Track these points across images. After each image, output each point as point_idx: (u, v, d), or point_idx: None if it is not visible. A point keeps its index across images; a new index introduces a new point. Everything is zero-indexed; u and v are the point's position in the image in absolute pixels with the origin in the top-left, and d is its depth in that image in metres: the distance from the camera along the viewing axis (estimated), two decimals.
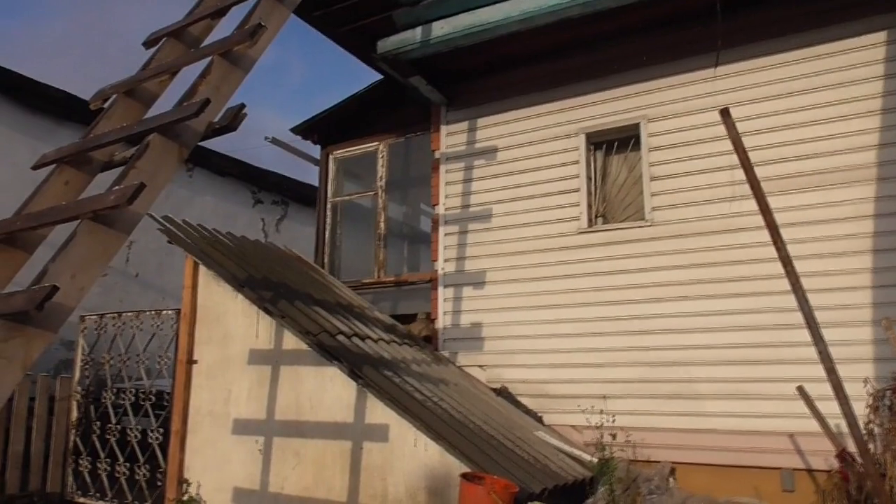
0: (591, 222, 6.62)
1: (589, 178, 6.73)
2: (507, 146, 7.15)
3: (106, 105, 4.13)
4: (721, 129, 6.01)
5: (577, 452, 5.85)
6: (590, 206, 6.67)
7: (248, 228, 11.61)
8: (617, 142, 6.76)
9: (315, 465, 5.44)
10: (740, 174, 5.88)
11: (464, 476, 4.23)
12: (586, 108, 6.80)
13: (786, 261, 4.36)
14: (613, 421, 5.08)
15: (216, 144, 12.30)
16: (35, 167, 3.96)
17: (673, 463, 5.69)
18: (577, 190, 6.69)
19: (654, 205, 6.33)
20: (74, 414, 7.36)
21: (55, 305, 2.74)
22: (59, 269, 2.88)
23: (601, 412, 5.25)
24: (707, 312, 5.86)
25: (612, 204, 6.75)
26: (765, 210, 4.41)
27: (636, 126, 6.54)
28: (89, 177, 3.92)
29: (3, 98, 9.68)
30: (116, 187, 3.12)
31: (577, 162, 6.75)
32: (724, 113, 4.50)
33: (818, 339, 4.21)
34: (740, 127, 5.97)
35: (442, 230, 7.36)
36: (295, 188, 14.09)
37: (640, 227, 6.35)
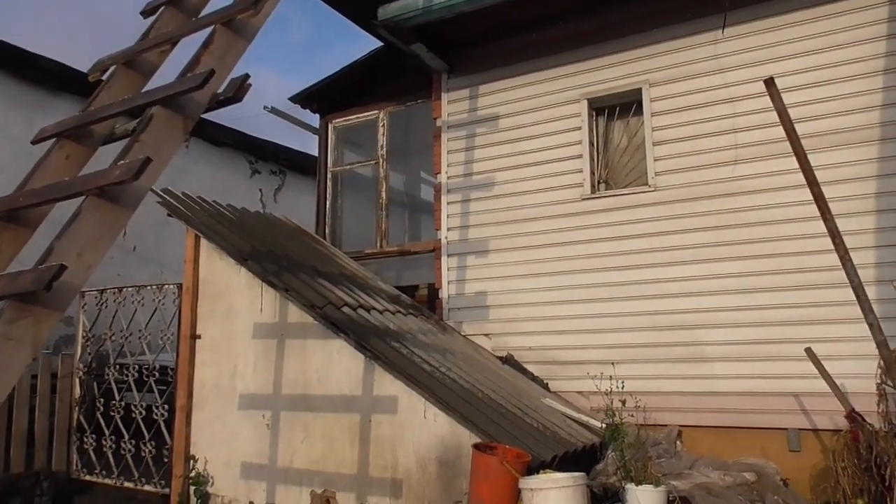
0: (594, 188, 6.57)
1: (591, 144, 6.65)
2: (509, 113, 7.05)
3: (105, 76, 4.02)
4: (724, 93, 6.05)
5: (584, 418, 5.88)
6: (592, 173, 6.60)
7: (245, 199, 11.50)
8: (619, 107, 6.67)
9: (324, 438, 5.45)
10: (744, 137, 5.95)
11: (476, 446, 4.23)
12: (588, 73, 6.70)
13: (833, 232, 4.28)
14: (622, 386, 5.07)
15: (213, 114, 12.13)
16: (35, 141, 3.86)
17: (680, 426, 5.73)
18: (580, 156, 6.63)
19: (658, 170, 6.27)
20: (77, 391, 7.34)
21: (63, 284, 2.68)
22: (65, 246, 2.82)
23: (610, 378, 5.24)
24: (712, 275, 5.85)
25: (614, 169, 6.68)
26: (811, 182, 4.31)
27: (638, 91, 6.46)
28: (90, 150, 3.82)
29: None
30: (121, 162, 3.05)
31: (579, 128, 6.67)
32: (769, 83, 4.36)
33: (868, 312, 4.22)
34: (744, 90, 5.98)
35: (445, 198, 7.29)
36: (292, 157, 13.96)
37: (643, 192, 6.30)
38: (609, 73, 6.60)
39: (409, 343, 5.79)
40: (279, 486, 5.55)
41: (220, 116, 12.96)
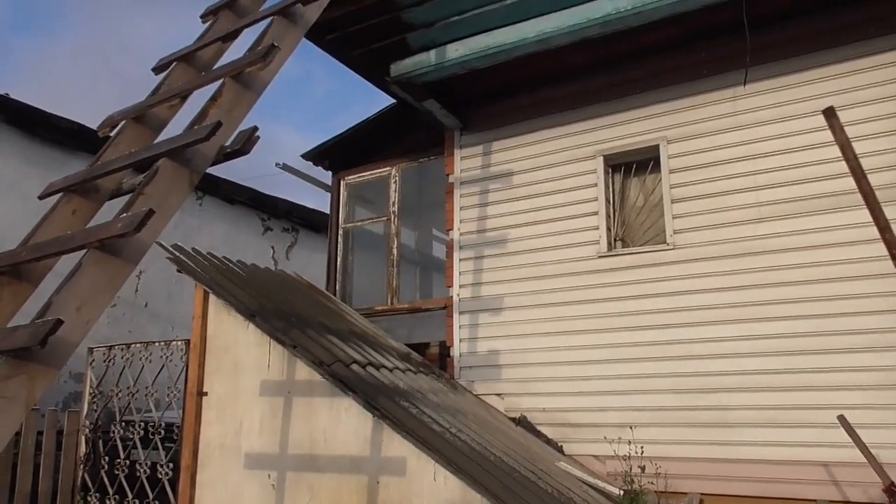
0: (610, 246, 6.46)
1: (608, 201, 6.57)
2: (524, 169, 7.02)
3: (114, 132, 4.02)
4: (744, 150, 5.95)
5: (601, 484, 5.62)
6: (609, 230, 6.50)
7: (257, 256, 11.50)
8: (636, 164, 6.61)
9: (330, 500, 5.23)
10: (765, 195, 5.80)
11: None
12: (604, 129, 6.67)
13: None
14: (642, 451, 4.84)
15: (227, 172, 12.28)
16: (42, 196, 3.85)
17: (702, 494, 5.45)
18: (596, 213, 6.54)
19: (676, 227, 6.16)
20: (83, 449, 7.17)
21: (59, 340, 2.59)
22: (64, 301, 2.74)
23: (629, 442, 5.01)
24: (736, 337, 5.66)
25: (631, 227, 6.58)
26: (883, 227, 3.77)
27: (656, 148, 6.40)
28: (97, 205, 3.79)
29: (13, 130, 9.63)
30: (124, 215, 3.00)
31: (595, 185, 6.60)
32: (829, 113, 3.90)
33: None
34: (762, 147, 5.90)
35: (457, 255, 7.20)
36: (305, 215, 14.00)
37: (661, 250, 6.18)
38: (625, 129, 6.57)
39: (419, 403, 5.61)
40: None
41: (235, 174, 13.08)
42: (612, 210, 6.59)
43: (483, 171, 7.25)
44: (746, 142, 5.96)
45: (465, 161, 7.40)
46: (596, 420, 6.02)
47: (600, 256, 6.41)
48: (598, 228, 6.49)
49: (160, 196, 3.17)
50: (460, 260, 7.18)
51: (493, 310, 6.83)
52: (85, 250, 2.93)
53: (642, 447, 4.91)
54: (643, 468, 4.57)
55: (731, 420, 5.57)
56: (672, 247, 6.11)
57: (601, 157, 6.63)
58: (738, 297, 5.73)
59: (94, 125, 9.78)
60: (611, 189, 6.65)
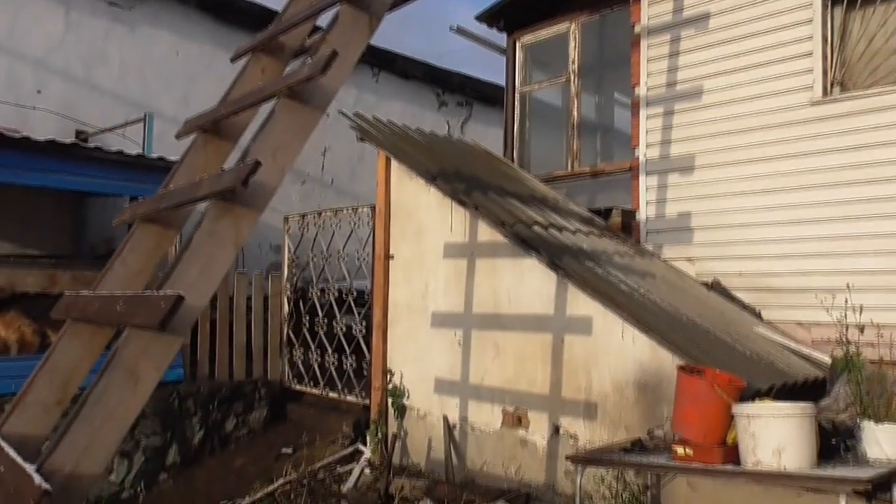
0: (826, 91, 5.63)
1: (825, 39, 5.68)
2: (722, 10, 6.18)
3: None
4: None
5: (805, 350, 5.22)
6: (825, 73, 5.65)
7: (433, 130, 11.55)
8: None
9: (515, 357, 5.32)
10: None
11: (681, 368, 3.83)
12: None
13: None
14: (860, 314, 4.30)
15: (402, 46, 12.25)
16: (233, 59, 4.01)
17: None
18: (810, 54, 5.69)
19: None
20: (286, 309, 7.86)
21: (258, 184, 2.69)
22: (259, 147, 2.83)
23: (847, 301, 4.46)
24: None
25: (853, 69, 5.67)
26: None
27: None
28: (284, 63, 3.90)
29: (205, 16, 10.14)
30: (309, 60, 3.00)
31: (809, 21, 5.71)
32: None
33: None
34: None
35: (644, 112, 6.67)
36: (479, 88, 13.77)
37: (892, 93, 5.29)
38: None
39: (603, 263, 5.43)
40: (471, 402, 5.55)
41: (410, 47, 12.95)
42: (829, 50, 5.70)
43: (674, 15, 6.51)
44: None
45: (653, 7, 6.68)
46: (801, 285, 5.49)
47: (814, 104, 5.62)
48: (811, 72, 5.66)
49: (342, 41, 3.12)
50: (647, 117, 6.65)
51: (685, 169, 6.31)
52: (276, 99, 2.97)
53: (861, 307, 4.35)
54: (862, 329, 4.09)
55: None
56: None
57: None
58: None
59: (268, 6, 9.94)
60: (829, 25, 5.72)
